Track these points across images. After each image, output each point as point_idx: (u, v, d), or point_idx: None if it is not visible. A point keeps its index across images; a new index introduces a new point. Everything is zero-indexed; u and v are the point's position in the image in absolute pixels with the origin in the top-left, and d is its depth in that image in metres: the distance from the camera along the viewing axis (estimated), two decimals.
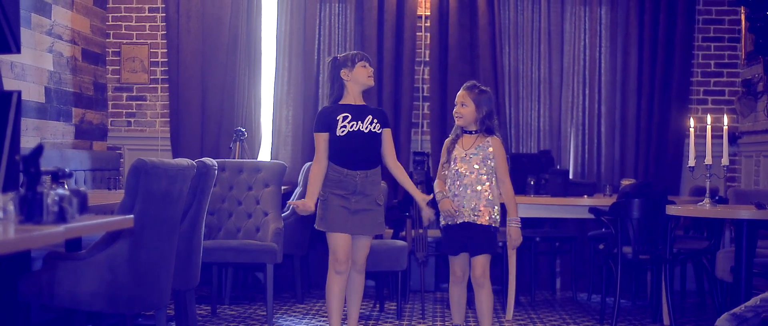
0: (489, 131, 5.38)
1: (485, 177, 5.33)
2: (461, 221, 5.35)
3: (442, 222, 5.46)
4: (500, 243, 6.38)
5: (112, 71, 8.50)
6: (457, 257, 5.48)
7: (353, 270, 5.39)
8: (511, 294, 6.72)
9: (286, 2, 8.37)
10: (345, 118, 5.22)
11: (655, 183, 7.65)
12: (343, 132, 5.22)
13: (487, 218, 5.32)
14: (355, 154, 5.24)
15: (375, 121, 5.28)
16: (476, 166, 5.34)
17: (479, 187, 5.33)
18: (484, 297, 5.41)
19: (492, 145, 5.34)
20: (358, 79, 5.25)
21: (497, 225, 5.38)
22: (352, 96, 5.30)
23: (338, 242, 5.31)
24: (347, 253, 5.30)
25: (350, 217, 5.26)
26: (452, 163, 5.40)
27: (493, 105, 5.41)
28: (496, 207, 5.38)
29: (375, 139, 5.29)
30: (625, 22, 8.31)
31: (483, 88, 5.42)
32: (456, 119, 5.42)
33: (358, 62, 5.26)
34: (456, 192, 5.36)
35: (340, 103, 5.30)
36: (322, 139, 5.25)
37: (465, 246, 5.41)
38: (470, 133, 5.40)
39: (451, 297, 5.57)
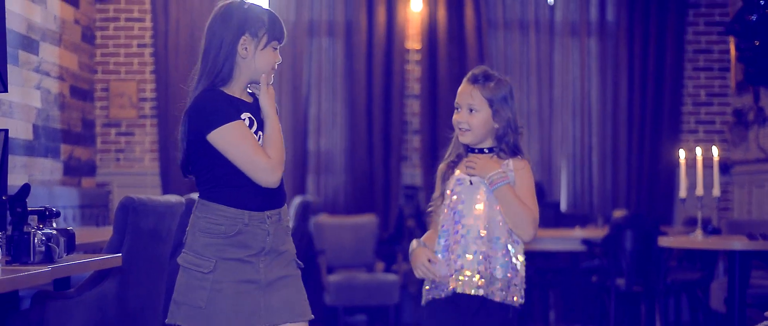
0: (514, 151, 3.33)
1: (502, 219, 3.29)
2: (452, 291, 3.26)
3: (425, 297, 3.34)
4: None
5: (100, 107, 8.46)
6: None
7: None
8: None
9: None
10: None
11: (646, 214, 7.65)
12: None
13: (504, 293, 3.24)
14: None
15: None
16: (488, 199, 3.29)
17: (494, 233, 3.28)
18: None
19: (515, 169, 3.31)
20: (260, 65, 3.05)
21: (520, 302, 3.27)
22: (240, 85, 3.09)
23: None
24: None
25: (264, 298, 3.09)
26: (449, 195, 3.34)
27: (516, 107, 3.36)
28: (521, 275, 3.29)
29: None
30: (615, 52, 8.32)
31: (501, 77, 3.34)
32: (459, 132, 3.35)
33: (272, 41, 3.06)
34: (454, 242, 3.29)
35: (223, 89, 3.05)
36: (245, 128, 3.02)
37: None
38: (482, 151, 3.35)
39: None
